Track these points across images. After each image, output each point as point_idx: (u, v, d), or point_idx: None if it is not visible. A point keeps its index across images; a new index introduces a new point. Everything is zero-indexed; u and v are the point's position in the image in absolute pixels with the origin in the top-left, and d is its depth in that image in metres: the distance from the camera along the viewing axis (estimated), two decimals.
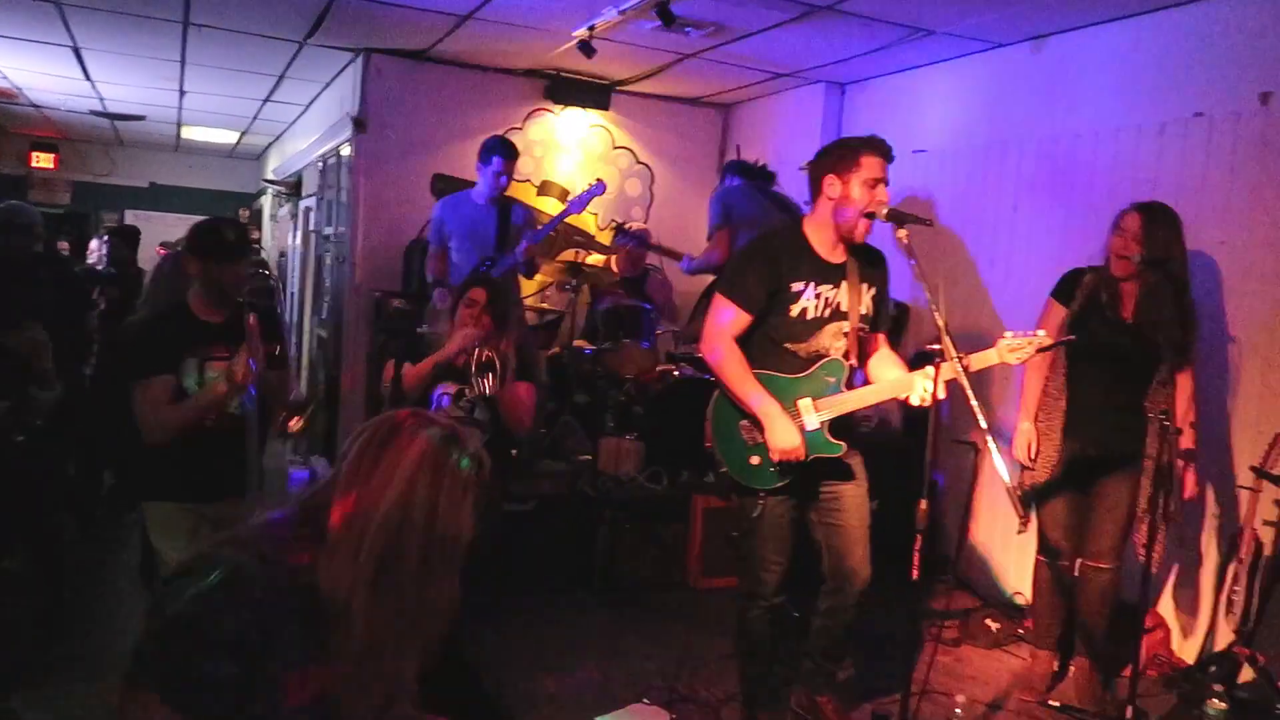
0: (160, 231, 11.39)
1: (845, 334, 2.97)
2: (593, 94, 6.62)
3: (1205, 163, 3.94)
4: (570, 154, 6.74)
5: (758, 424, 2.89)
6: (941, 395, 2.67)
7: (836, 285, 2.95)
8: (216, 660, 1.34)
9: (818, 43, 5.19)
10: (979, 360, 2.75)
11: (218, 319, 2.92)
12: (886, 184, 2.89)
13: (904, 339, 5.34)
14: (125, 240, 6.67)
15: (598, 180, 5.25)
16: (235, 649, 1.34)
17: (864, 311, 3.00)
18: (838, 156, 2.91)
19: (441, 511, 1.46)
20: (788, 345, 2.94)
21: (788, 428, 2.84)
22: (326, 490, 1.48)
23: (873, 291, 3.03)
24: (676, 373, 5.43)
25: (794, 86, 6.26)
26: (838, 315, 2.96)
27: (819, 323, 2.94)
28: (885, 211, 2.81)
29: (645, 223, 6.83)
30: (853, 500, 3.05)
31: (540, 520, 4.42)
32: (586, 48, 5.23)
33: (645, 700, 3.35)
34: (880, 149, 2.89)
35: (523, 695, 3.38)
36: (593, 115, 6.74)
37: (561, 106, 6.61)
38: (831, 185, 2.89)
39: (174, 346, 2.85)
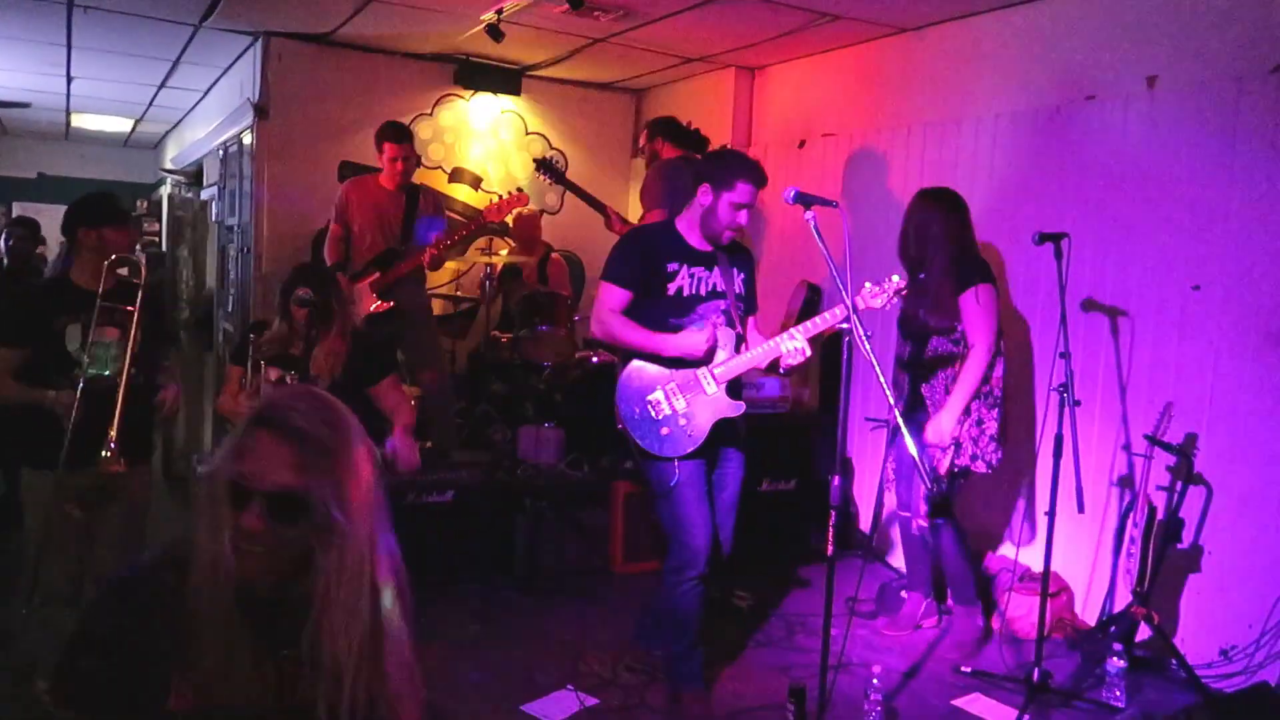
0: (51, 224, 10.88)
1: (724, 310, 3.23)
2: (503, 79, 6.54)
3: (1098, 144, 4.09)
4: (482, 140, 6.66)
5: (665, 393, 3.13)
6: (809, 352, 3.08)
7: (710, 269, 3.23)
8: (90, 656, 1.35)
9: (725, 27, 5.22)
10: (862, 301, 3.10)
11: (101, 286, 3.02)
12: (752, 208, 3.16)
13: None
14: (28, 231, 6.34)
15: (519, 191, 5.24)
16: (107, 647, 1.34)
17: (738, 290, 3.27)
18: (718, 171, 3.15)
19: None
20: (673, 320, 3.17)
21: (692, 334, 3.09)
22: None
23: (742, 276, 3.31)
24: (595, 359, 5.42)
25: (705, 71, 6.29)
26: (715, 294, 3.23)
27: (696, 299, 3.20)
28: (793, 194, 2.86)
29: (559, 209, 6.80)
30: (733, 479, 3.33)
31: (460, 510, 4.37)
32: (495, 31, 5.17)
33: (571, 686, 3.37)
34: (755, 178, 3.13)
35: (448, 686, 3.34)
36: (504, 100, 6.66)
37: (471, 92, 6.52)
38: (705, 194, 3.16)
39: (37, 318, 3.05)
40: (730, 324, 3.23)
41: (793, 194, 2.86)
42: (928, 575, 4.05)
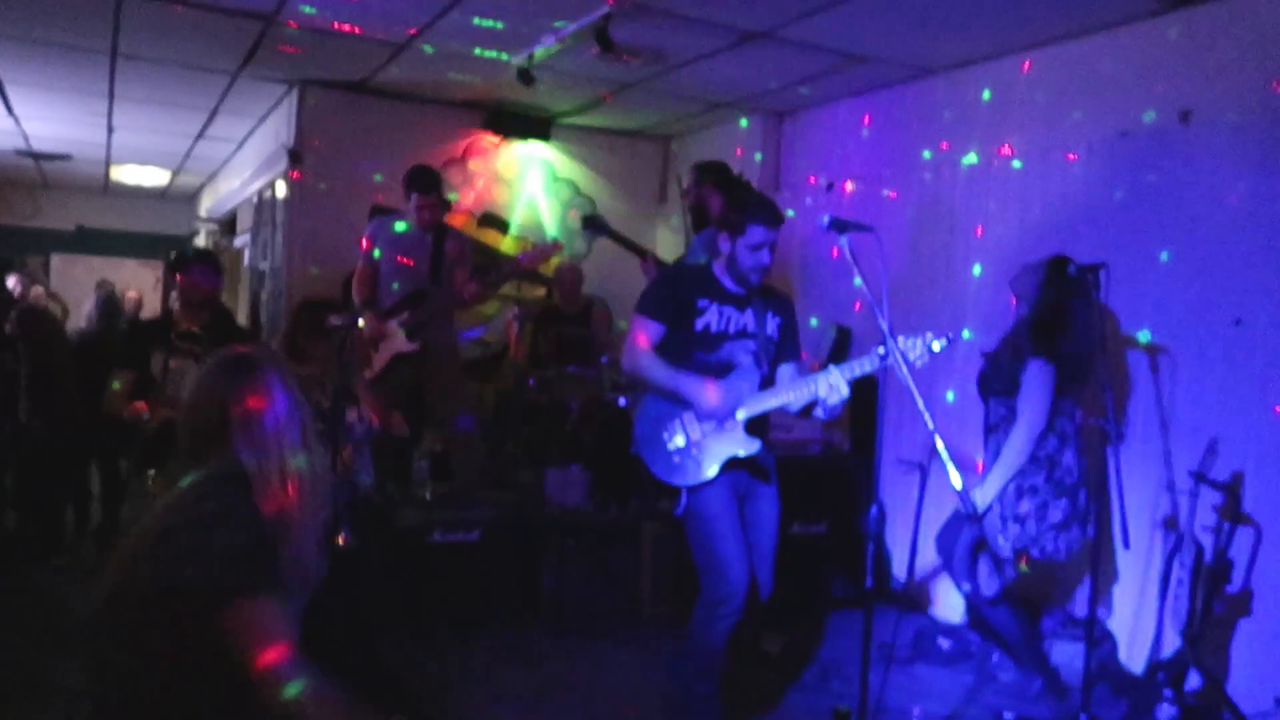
0: (86, 276, 11.07)
1: (754, 353, 3.19)
2: (533, 125, 6.63)
3: (1132, 180, 4.05)
4: (511, 186, 6.73)
5: (681, 422, 3.10)
6: (845, 393, 2.97)
7: (741, 309, 3.21)
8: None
9: (754, 70, 5.27)
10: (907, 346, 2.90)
11: (194, 324, 4.10)
12: (774, 248, 3.13)
13: (846, 359, 5.37)
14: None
15: (554, 241, 5.24)
16: None
17: (769, 334, 3.23)
18: (730, 217, 3.16)
19: None
20: (699, 354, 3.15)
21: (711, 388, 3.05)
22: None
23: (778, 321, 3.27)
24: (622, 401, 5.38)
25: (733, 116, 6.34)
26: (744, 334, 3.19)
27: (725, 337, 3.17)
28: (828, 219, 2.84)
29: (587, 256, 6.82)
30: (769, 520, 3.25)
31: (487, 550, 4.31)
32: (526, 76, 5.24)
33: None
34: (769, 221, 3.11)
35: None
36: (534, 146, 6.74)
37: (502, 138, 6.60)
38: (724, 242, 3.18)
39: (144, 344, 4.07)
40: (758, 364, 3.19)
41: (827, 219, 2.83)
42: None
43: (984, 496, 3.54)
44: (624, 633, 4.30)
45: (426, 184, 4.91)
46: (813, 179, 5.93)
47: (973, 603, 3.75)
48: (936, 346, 2.93)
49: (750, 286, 3.20)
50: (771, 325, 3.25)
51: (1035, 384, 3.49)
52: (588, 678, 3.74)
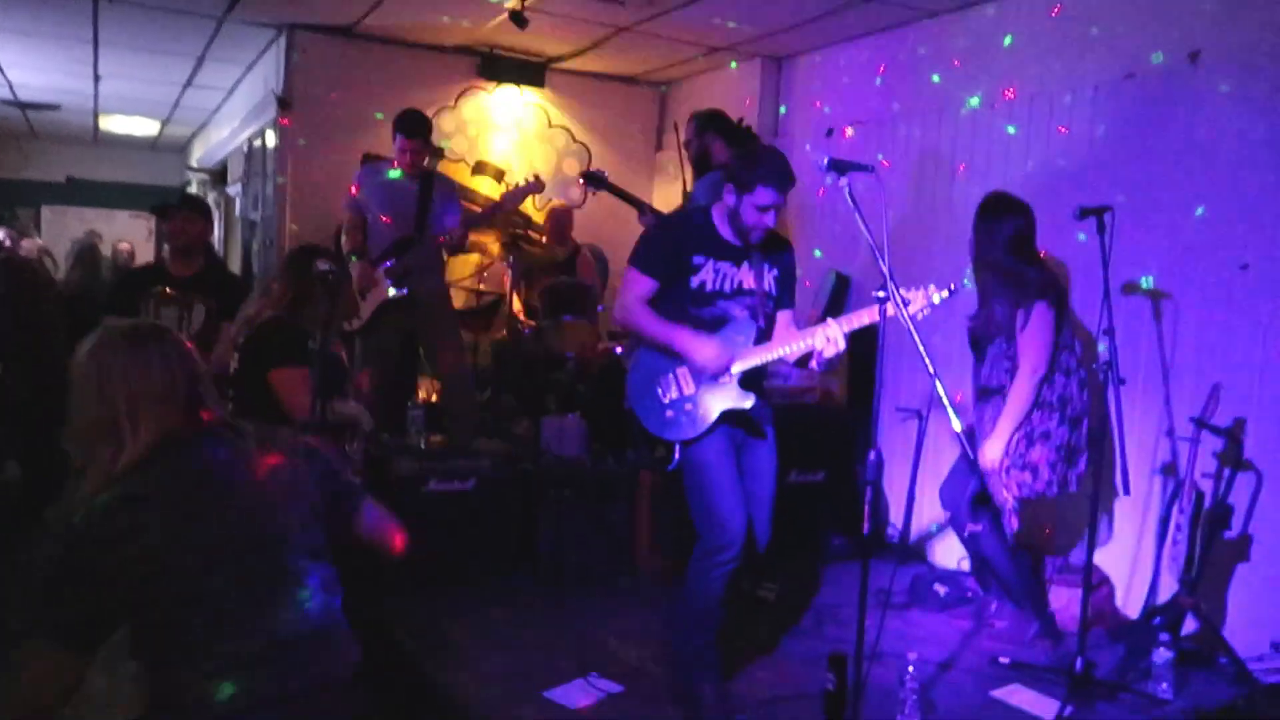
0: (78, 227, 10.95)
1: (750, 307, 3.14)
2: (527, 71, 6.50)
3: (1138, 123, 3.97)
4: (505, 133, 6.61)
5: (675, 376, 3.05)
6: (843, 346, 2.93)
7: (738, 264, 3.13)
8: None
9: (753, 13, 5.14)
10: (914, 299, 2.86)
11: (186, 271, 4.14)
12: (779, 210, 3.04)
13: (845, 307, 5.34)
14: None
15: (535, 177, 5.13)
16: None
17: (767, 289, 3.17)
18: (742, 172, 3.05)
19: None
20: (692, 310, 3.10)
21: (707, 345, 2.99)
22: None
23: (775, 273, 3.20)
24: (618, 350, 5.34)
25: (731, 61, 6.21)
26: (741, 292, 3.13)
27: (719, 294, 3.11)
28: (828, 160, 2.77)
29: (583, 204, 6.73)
30: (768, 471, 3.22)
31: (481, 499, 4.28)
32: (518, 17, 5.11)
33: (594, 675, 3.27)
34: (781, 183, 3.01)
35: (470, 675, 3.26)
36: (528, 93, 6.62)
37: (495, 84, 6.48)
38: (730, 194, 3.07)
39: (132, 293, 4.11)
40: (754, 318, 3.13)
41: (827, 160, 2.76)
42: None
43: (995, 449, 3.51)
44: (619, 582, 4.30)
45: (411, 127, 4.82)
46: (812, 124, 5.82)
47: (974, 547, 3.74)
48: (937, 298, 2.90)
49: (749, 243, 3.13)
50: (769, 279, 3.19)
51: (1038, 328, 3.46)
52: (582, 627, 3.74)
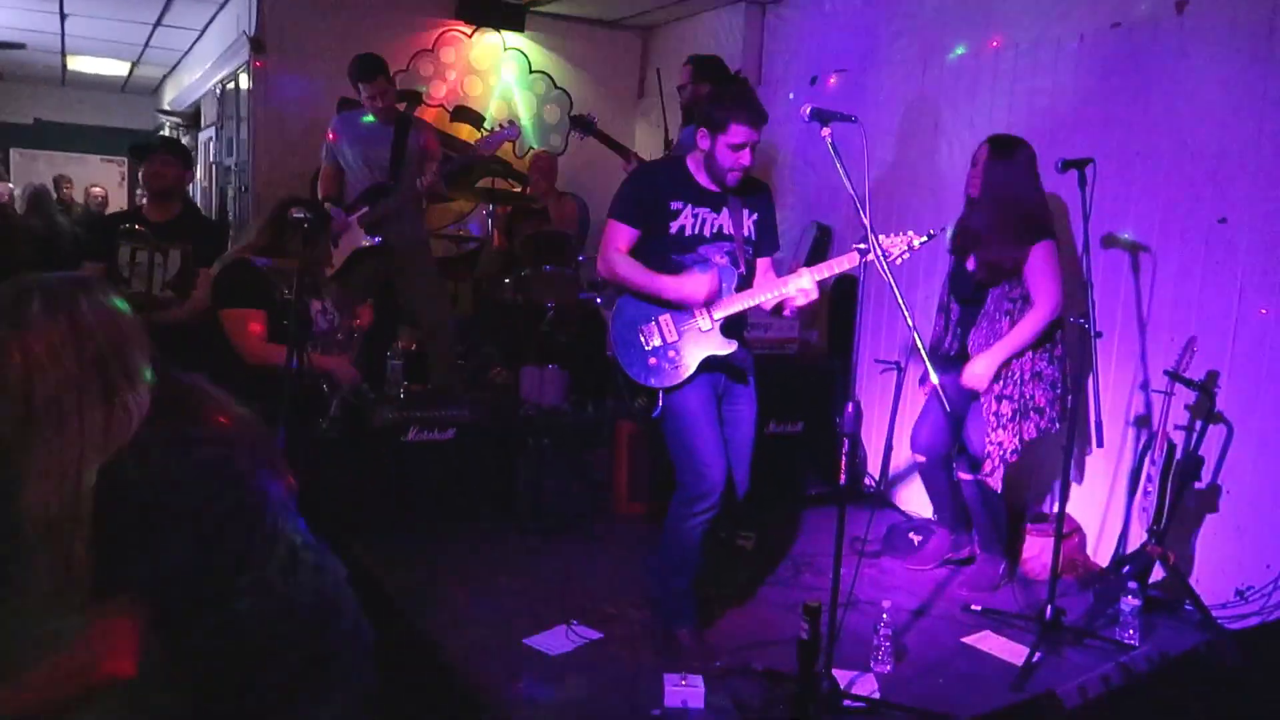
0: (48, 171, 10.74)
1: (729, 253, 3.13)
2: (506, 15, 6.38)
3: (1123, 73, 3.95)
4: (485, 78, 6.51)
5: (657, 323, 3.06)
6: (815, 295, 2.98)
7: (717, 211, 3.12)
8: None
9: None
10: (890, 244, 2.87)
11: (163, 216, 4.03)
12: (756, 146, 3.02)
13: (826, 258, 5.32)
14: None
15: (510, 123, 5.04)
16: None
17: (746, 234, 3.17)
18: (711, 115, 3.03)
19: None
20: (674, 256, 3.09)
21: (694, 279, 3.00)
22: None
23: (754, 217, 3.20)
24: (599, 300, 5.31)
25: (714, 7, 6.12)
26: (721, 236, 3.13)
27: (699, 239, 3.11)
28: (810, 110, 2.74)
29: (564, 150, 6.65)
30: (747, 420, 3.24)
31: (462, 448, 4.29)
32: None
33: (574, 622, 3.31)
34: (753, 119, 2.98)
35: (448, 621, 3.29)
36: (508, 37, 6.50)
37: (474, 28, 6.35)
38: (703, 139, 3.04)
39: (108, 236, 3.98)
40: (735, 264, 3.13)
41: (809, 110, 2.74)
42: (953, 511, 3.99)
43: (983, 366, 3.54)
44: (600, 530, 4.33)
45: (366, 71, 4.73)
46: (796, 72, 5.75)
47: (959, 492, 3.80)
48: (918, 243, 2.92)
49: (726, 188, 3.11)
50: (748, 224, 3.18)
51: (1053, 265, 3.50)
52: (563, 574, 3.77)
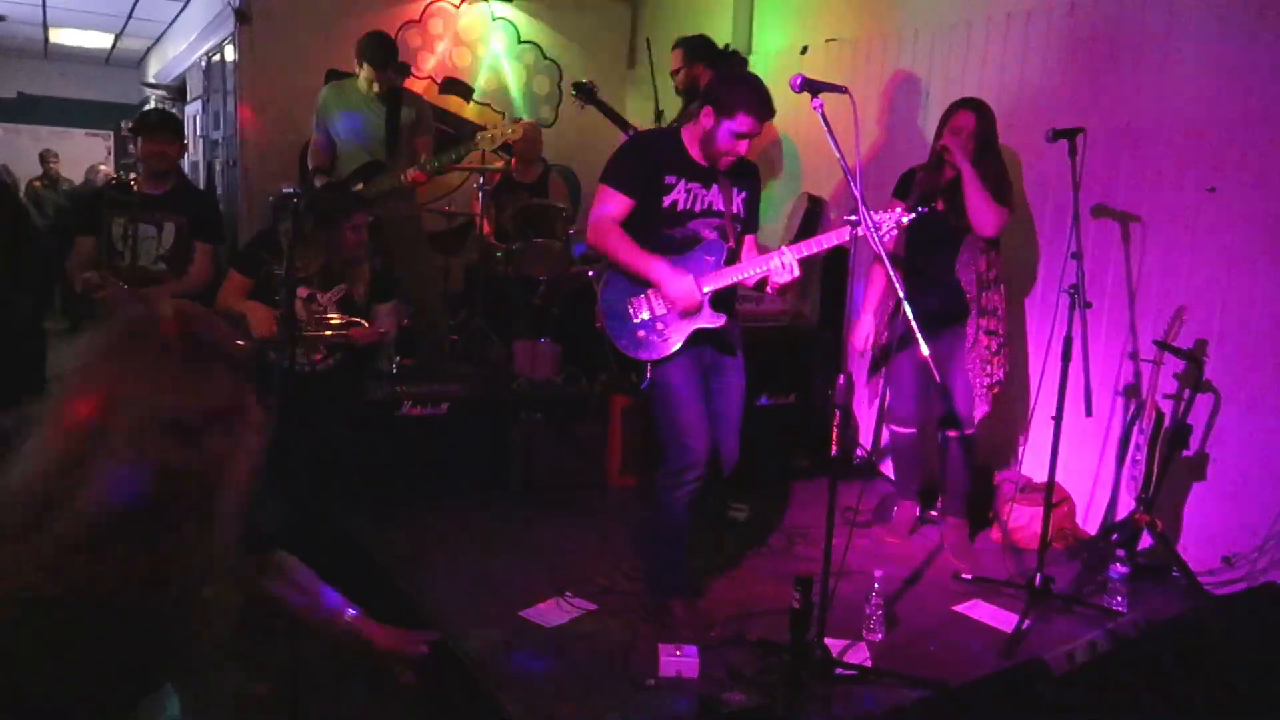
0: (32, 145, 10.63)
1: (718, 228, 3.15)
2: None
3: (1113, 42, 3.93)
4: (473, 49, 6.44)
5: (647, 296, 3.07)
6: (797, 272, 2.98)
7: (707, 186, 3.13)
8: None
9: None
10: (880, 219, 2.87)
11: (156, 191, 4.01)
12: (752, 138, 3.03)
13: (818, 230, 5.32)
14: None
15: (516, 121, 5.03)
16: None
17: (735, 211, 3.17)
18: (723, 96, 3.02)
19: None
20: (664, 229, 3.09)
21: (683, 281, 2.99)
22: None
23: (743, 195, 3.21)
24: (591, 273, 5.31)
25: None
26: (711, 212, 3.13)
27: (690, 214, 3.11)
28: (800, 80, 2.73)
29: (554, 122, 6.61)
30: (736, 391, 3.25)
31: (455, 423, 4.30)
32: None
33: (568, 593, 3.33)
34: (761, 112, 3.00)
35: (442, 594, 3.31)
36: (496, 7, 6.44)
37: None
38: (707, 116, 3.03)
39: (99, 212, 3.94)
40: (724, 238, 3.14)
41: (799, 81, 2.72)
42: (918, 483, 4.10)
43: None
44: (592, 503, 4.35)
45: (380, 57, 4.65)
46: (786, 41, 5.71)
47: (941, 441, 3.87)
48: (905, 221, 2.93)
49: (717, 168, 3.12)
50: (737, 201, 3.20)
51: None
52: (556, 547, 3.79)
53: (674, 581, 3.22)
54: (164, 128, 4.14)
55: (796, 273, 3.00)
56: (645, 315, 3.08)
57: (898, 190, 3.90)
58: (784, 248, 3.02)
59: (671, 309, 3.04)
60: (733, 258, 3.13)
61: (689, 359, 3.10)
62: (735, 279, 3.08)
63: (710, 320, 3.08)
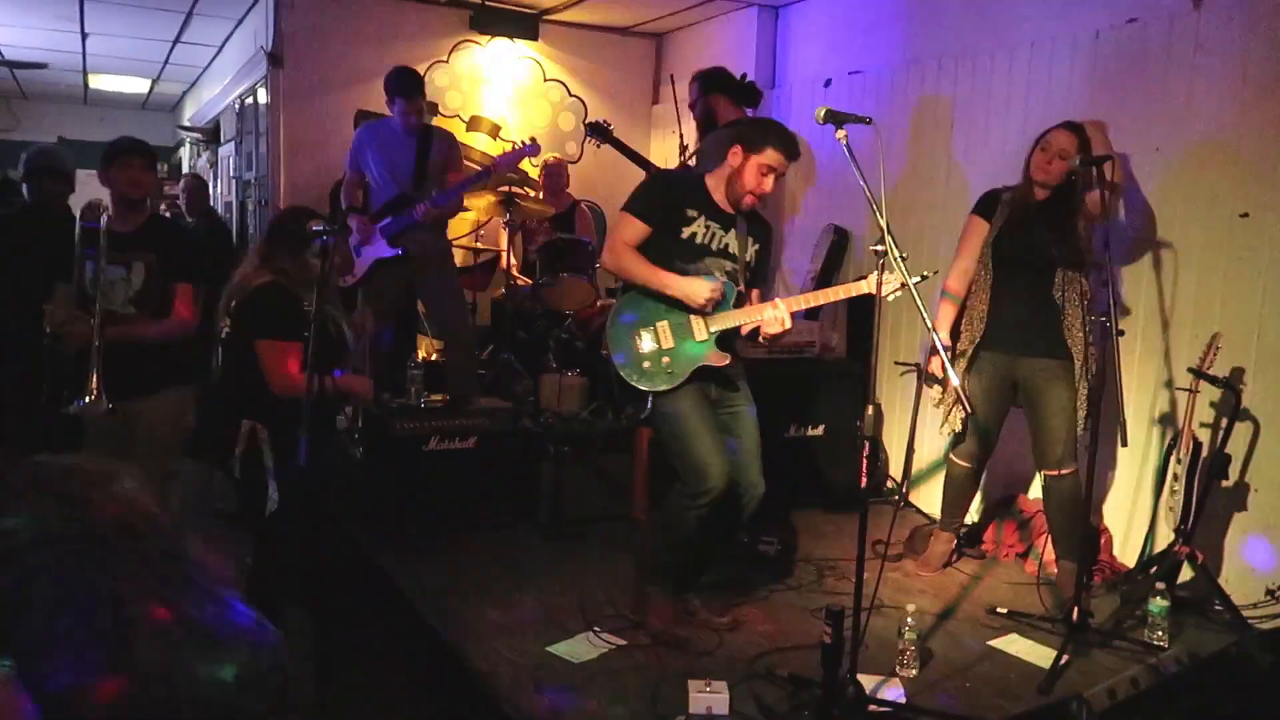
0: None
1: (729, 271, 3.19)
2: (520, 24, 6.40)
3: (1140, 69, 3.91)
4: (499, 87, 6.53)
5: (654, 329, 3.13)
6: (789, 325, 3.05)
7: (726, 230, 3.20)
8: None
9: None
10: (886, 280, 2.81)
11: (126, 228, 3.39)
12: (778, 178, 3.12)
13: (845, 262, 5.31)
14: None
15: (530, 140, 5.04)
16: None
17: (748, 260, 3.25)
18: (752, 134, 3.11)
19: None
20: (678, 262, 3.14)
21: (697, 282, 3.05)
22: None
23: (756, 247, 3.27)
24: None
25: (727, 11, 6.12)
26: (725, 254, 3.19)
27: (705, 250, 3.16)
28: (824, 112, 2.74)
29: (579, 158, 6.67)
30: (749, 421, 3.27)
31: (483, 457, 4.31)
32: None
33: (596, 629, 3.30)
34: (788, 150, 3.09)
35: (470, 628, 3.30)
36: (521, 46, 6.53)
37: (488, 37, 6.39)
38: (735, 155, 3.10)
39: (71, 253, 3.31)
40: (735, 281, 3.20)
41: (823, 112, 2.74)
42: (962, 518, 4.01)
43: None
44: (621, 536, 4.32)
45: (409, 88, 4.72)
46: (810, 75, 5.74)
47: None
48: (912, 282, 2.80)
49: (739, 210, 3.18)
50: (751, 250, 3.27)
51: None
52: (584, 580, 3.77)
53: (687, 579, 3.36)
54: (137, 152, 3.58)
55: (788, 325, 3.07)
56: (652, 347, 3.13)
57: (982, 209, 3.75)
58: (778, 300, 3.09)
59: (691, 304, 3.07)
60: (741, 302, 3.19)
61: (695, 390, 3.15)
62: (739, 322, 3.14)
63: (716, 359, 3.13)
